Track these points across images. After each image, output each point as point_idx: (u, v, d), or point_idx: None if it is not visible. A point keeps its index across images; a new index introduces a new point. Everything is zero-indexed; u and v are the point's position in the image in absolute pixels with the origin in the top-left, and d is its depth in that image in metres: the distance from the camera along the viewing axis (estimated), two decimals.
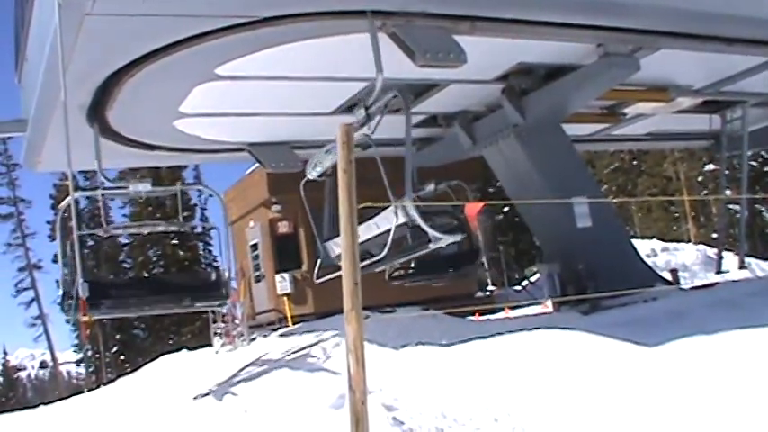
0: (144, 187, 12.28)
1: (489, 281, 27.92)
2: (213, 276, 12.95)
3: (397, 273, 13.87)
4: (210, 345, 18.81)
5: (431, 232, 10.37)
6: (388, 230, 10.81)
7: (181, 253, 47.42)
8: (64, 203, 11.80)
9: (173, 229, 15.37)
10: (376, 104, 11.27)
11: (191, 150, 16.46)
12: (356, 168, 5.29)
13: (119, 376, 20.60)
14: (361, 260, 11.45)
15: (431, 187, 11.97)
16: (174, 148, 15.92)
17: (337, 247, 12.04)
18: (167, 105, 13.22)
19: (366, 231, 11.17)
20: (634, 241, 19.59)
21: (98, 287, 11.84)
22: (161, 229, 17.16)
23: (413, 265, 13.23)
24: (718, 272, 22.46)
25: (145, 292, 12.91)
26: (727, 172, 23.82)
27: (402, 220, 10.48)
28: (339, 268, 11.93)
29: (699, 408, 6.42)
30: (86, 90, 11.80)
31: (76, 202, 11.32)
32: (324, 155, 11.76)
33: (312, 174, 12.11)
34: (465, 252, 13.23)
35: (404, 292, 21.09)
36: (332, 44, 11.11)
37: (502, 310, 21.15)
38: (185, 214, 48.13)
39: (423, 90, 14.60)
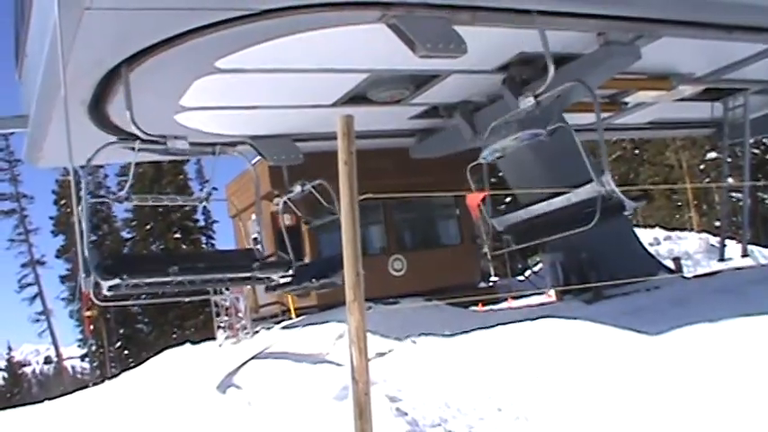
0: (182, 144, 12.15)
1: (492, 271, 27.93)
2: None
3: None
4: (214, 338, 18.85)
5: (625, 200, 11.55)
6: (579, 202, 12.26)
7: (184, 246, 47.53)
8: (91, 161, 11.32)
9: (190, 203, 15.45)
10: (548, 93, 12.26)
11: (192, 144, 16.45)
12: (357, 160, 5.29)
13: (123, 371, 20.65)
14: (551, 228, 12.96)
15: (297, 188, 12.83)
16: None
17: (499, 224, 14.05)
18: (168, 99, 13.20)
19: (563, 202, 12.66)
20: (637, 230, 19.59)
21: (162, 257, 11.86)
22: (179, 202, 17.11)
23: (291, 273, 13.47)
24: (721, 260, 22.46)
25: (211, 261, 12.87)
26: (729, 160, 23.78)
27: (597, 192, 11.70)
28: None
29: (702, 396, 6.42)
30: (87, 85, 11.78)
31: (79, 199, 11.13)
32: (508, 140, 13.01)
33: (488, 157, 13.39)
34: (333, 260, 13.28)
35: (406, 283, 21.13)
36: (332, 36, 11.09)
37: (505, 300, 21.17)
38: (187, 209, 48.57)
39: (423, 81, 14.58)
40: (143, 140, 11.53)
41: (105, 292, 10.28)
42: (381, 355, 9.80)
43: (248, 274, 12.27)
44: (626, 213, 12.61)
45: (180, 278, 11.05)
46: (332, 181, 5.43)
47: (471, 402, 7.32)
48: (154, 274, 10.94)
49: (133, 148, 11.16)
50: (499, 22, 11.67)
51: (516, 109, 13.06)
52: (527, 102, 12.62)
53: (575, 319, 9.89)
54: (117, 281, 10.11)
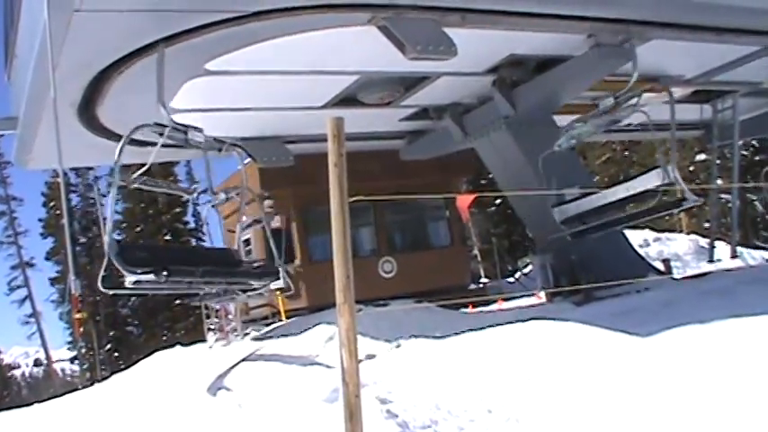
0: (199, 137, 12.12)
1: (482, 273, 27.95)
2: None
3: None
4: (204, 340, 18.81)
5: (688, 193, 12.42)
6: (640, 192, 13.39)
7: None
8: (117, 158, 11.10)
9: (181, 192, 15.55)
10: (625, 95, 13.17)
11: (182, 146, 16.42)
12: (347, 162, 5.29)
13: (113, 373, 20.57)
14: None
15: (222, 196, 13.18)
16: (166, 144, 15.87)
17: (560, 213, 14.47)
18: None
19: (622, 192, 13.67)
20: (626, 232, 19.62)
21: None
22: (173, 190, 17.41)
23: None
24: (711, 261, 22.54)
25: (216, 264, 12.84)
26: (718, 161, 23.87)
27: (658, 182, 12.66)
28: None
29: (692, 397, 6.44)
30: (76, 87, 11.77)
31: (69, 200, 11.09)
32: (587, 126, 13.86)
33: (564, 144, 14.10)
34: (264, 268, 13.31)
35: (396, 285, 21.09)
36: (322, 38, 11.10)
37: (495, 301, 21.17)
38: (177, 210, 48.53)
39: (413, 83, 14.60)
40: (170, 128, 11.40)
41: (128, 284, 10.04)
42: (371, 357, 9.80)
43: (242, 279, 12.27)
44: (686, 207, 13.22)
45: (200, 280, 10.94)
46: (323, 183, 5.43)
47: (462, 404, 7.31)
48: (186, 274, 10.65)
49: (161, 134, 11.02)
50: (489, 24, 11.71)
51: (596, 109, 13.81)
52: (607, 102, 13.33)
53: (565, 320, 9.89)
54: (151, 276, 9.85)
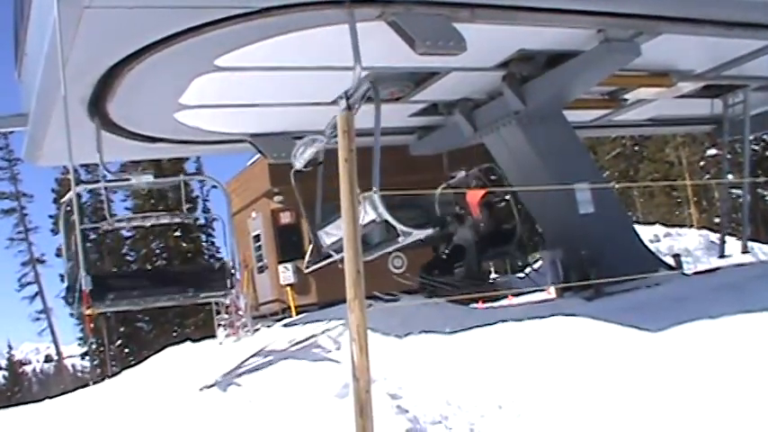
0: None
1: (492, 269, 27.91)
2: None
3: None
4: (214, 336, 18.82)
5: None
6: None
7: (184, 245, 47.52)
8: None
9: (176, 220, 15.32)
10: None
11: (192, 142, 16.45)
12: (357, 157, 5.30)
13: (123, 369, 20.61)
14: None
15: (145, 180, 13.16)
16: (176, 140, 15.92)
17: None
18: (168, 97, 13.21)
19: None
20: (637, 227, 19.58)
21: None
22: (165, 220, 17.18)
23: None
24: (721, 256, 22.45)
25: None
26: (729, 156, 23.79)
27: None
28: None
29: (703, 392, 6.42)
30: (86, 83, 11.78)
31: (79, 196, 11.23)
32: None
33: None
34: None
35: (407, 280, 21.08)
36: (332, 33, 11.08)
37: (505, 297, 21.14)
38: (188, 206, 48.50)
39: (423, 78, 14.58)
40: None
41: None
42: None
43: (190, 295, 12.40)
44: None
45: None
46: (332, 180, 5.44)
47: (472, 399, 7.32)
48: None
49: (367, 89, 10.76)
50: (499, 19, 11.68)
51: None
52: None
53: (575, 316, 9.88)
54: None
